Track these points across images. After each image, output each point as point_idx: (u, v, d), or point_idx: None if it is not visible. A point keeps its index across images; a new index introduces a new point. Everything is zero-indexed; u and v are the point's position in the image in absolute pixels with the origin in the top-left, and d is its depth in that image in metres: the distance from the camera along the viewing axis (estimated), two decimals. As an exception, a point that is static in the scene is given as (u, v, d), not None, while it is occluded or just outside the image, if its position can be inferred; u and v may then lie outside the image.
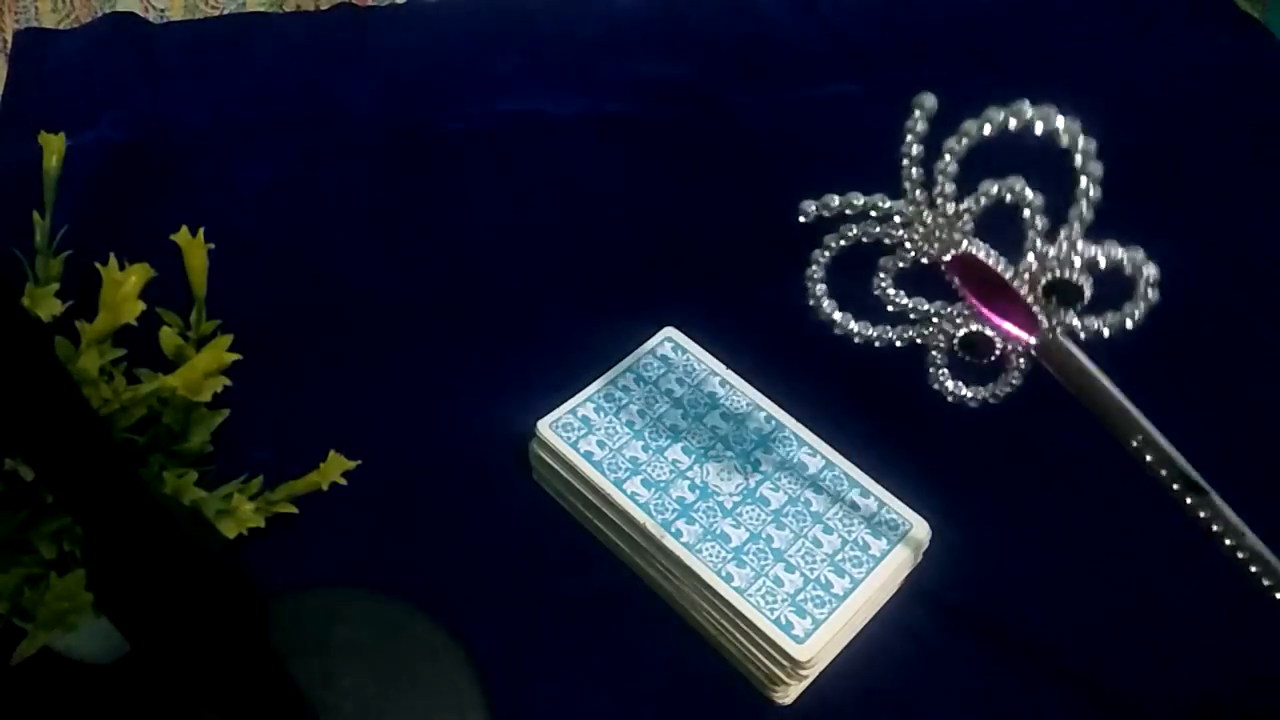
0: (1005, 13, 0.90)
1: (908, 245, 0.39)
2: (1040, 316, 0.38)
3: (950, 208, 0.37)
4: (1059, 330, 0.38)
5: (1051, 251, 0.37)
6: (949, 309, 0.40)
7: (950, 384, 0.41)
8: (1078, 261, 0.36)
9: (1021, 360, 0.39)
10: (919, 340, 0.40)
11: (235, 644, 0.32)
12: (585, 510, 0.55)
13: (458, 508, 0.57)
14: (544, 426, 0.54)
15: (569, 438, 0.54)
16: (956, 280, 0.39)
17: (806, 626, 0.48)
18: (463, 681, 0.49)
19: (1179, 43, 0.89)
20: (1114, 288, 0.39)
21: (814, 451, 0.54)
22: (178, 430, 0.49)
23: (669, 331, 0.59)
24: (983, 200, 0.37)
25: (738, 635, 0.50)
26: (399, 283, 0.68)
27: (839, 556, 0.50)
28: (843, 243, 0.40)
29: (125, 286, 0.45)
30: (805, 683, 0.50)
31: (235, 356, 0.47)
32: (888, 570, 0.50)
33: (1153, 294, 0.37)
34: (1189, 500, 0.40)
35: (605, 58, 0.84)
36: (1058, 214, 0.37)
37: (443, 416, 0.61)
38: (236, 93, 0.78)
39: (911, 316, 0.40)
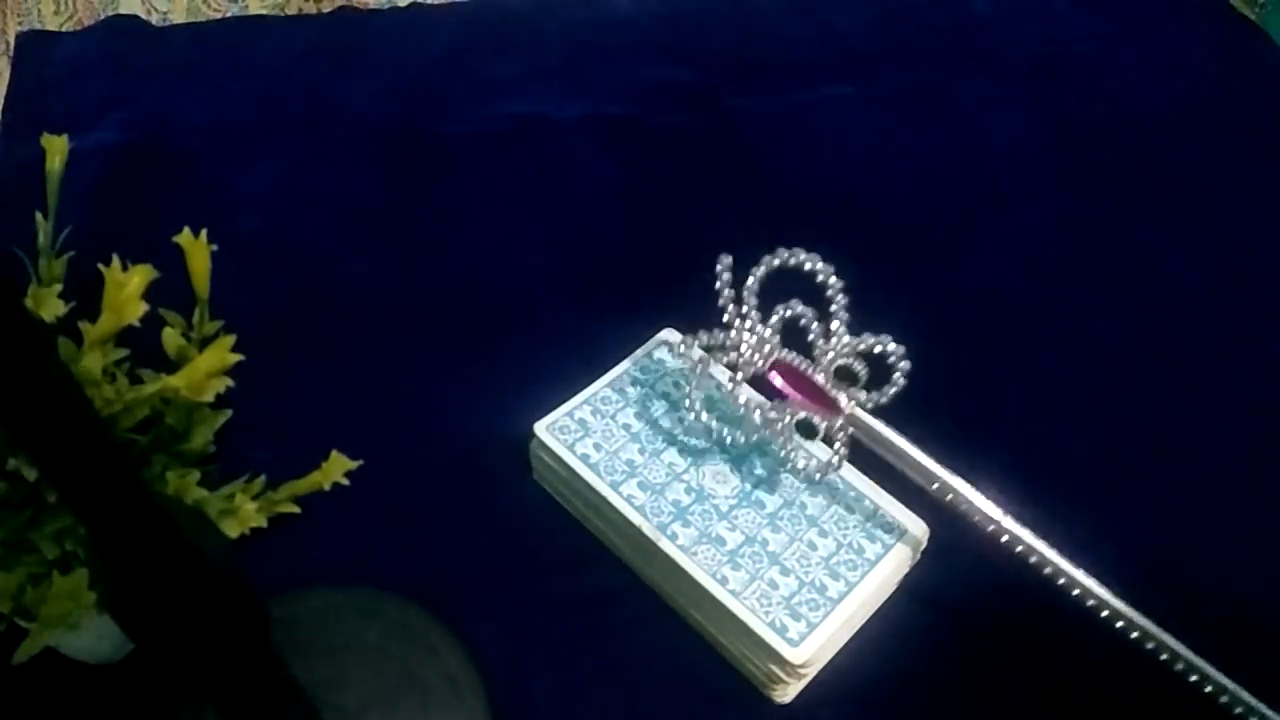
0: (1001, 15, 0.90)
1: (742, 362, 0.52)
2: (836, 396, 0.50)
3: (760, 330, 0.51)
4: (854, 405, 0.50)
5: (830, 349, 0.50)
6: (782, 406, 0.51)
7: (801, 461, 0.52)
8: (847, 352, 0.49)
9: (839, 433, 0.51)
10: (769, 433, 0.52)
11: (236, 643, 0.33)
12: (585, 510, 0.56)
13: (459, 507, 0.57)
14: (541, 429, 0.55)
15: (566, 440, 0.54)
16: (780, 380, 0.52)
17: (801, 630, 0.48)
18: (463, 680, 0.50)
19: (1175, 45, 0.89)
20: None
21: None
22: (180, 430, 0.50)
23: (667, 334, 0.60)
24: (777, 320, 0.51)
25: (734, 637, 0.50)
26: (401, 284, 0.68)
27: (834, 560, 0.51)
28: (700, 376, 0.53)
29: (128, 287, 0.45)
30: (804, 681, 0.50)
31: (238, 357, 0.48)
32: (882, 573, 0.51)
33: (902, 375, 0.49)
34: (989, 528, 0.49)
35: (605, 61, 0.84)
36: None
37: (444, 416, 0.61)
38: (238, 95, 0.79)
39: (756, 415, 0.52)
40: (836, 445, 0.51)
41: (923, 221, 0.74)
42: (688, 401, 0.53)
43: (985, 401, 0.64)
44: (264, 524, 0.49)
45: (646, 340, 0.60)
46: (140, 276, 0.45)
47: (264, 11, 1.26)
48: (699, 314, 0.54)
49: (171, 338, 0.50)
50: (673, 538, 0.51)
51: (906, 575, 0.54)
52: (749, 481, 0.54)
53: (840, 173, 0.77)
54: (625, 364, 0.58)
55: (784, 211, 0.74)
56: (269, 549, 0.51)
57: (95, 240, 0.52)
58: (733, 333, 0.52)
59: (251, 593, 0.32)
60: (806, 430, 0.52)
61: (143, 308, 0.45)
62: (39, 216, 0.51)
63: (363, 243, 0.70)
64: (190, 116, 0.77)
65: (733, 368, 0.53)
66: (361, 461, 0.51)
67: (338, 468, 0.50)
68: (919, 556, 0.53)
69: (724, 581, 0.49)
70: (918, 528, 0.52)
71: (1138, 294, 0.70)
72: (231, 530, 0.48)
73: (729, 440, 0.53)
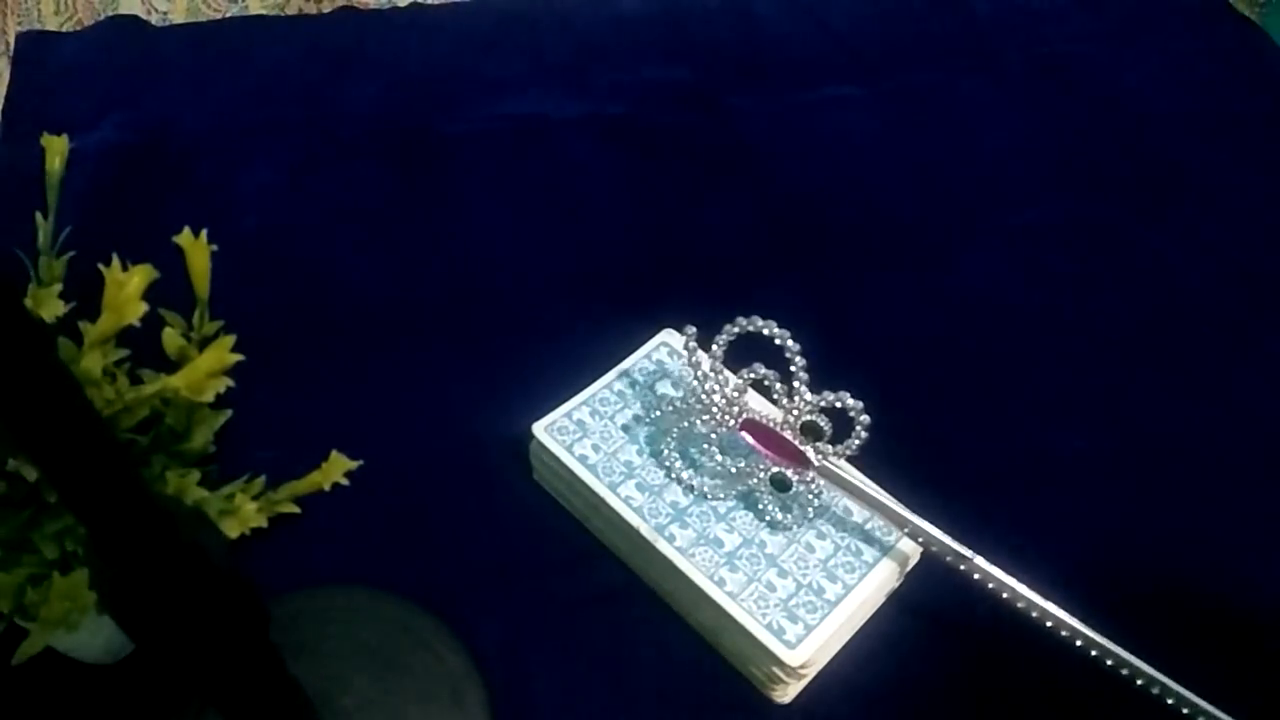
0: (1002, 15, 0.90)
1: (714, 422, 0.53)
2: (805, 450, 0.51)
3: (727, 391, 0.53)
4: (823, 458, 0.51)
5: (793, 407, 0.51)
6: (756, 461, 0.53)
7: (779, 515, 0.52)
8: (809, 410, 0.51)
9: (812, 485, 0.52)
10: (745, 487, 0.53)
11: (237, 644, 0.33)
12: (584, 511, 0.56)
13: (458, 507, 0.57)
14: (539, 429, 0.55)
15: (564, 441, 0.54)
16: (751, 438, 0.53)
17: (798, 632, 0.48)
18: (463, 680, 0.50)
19: (1175, 44, 0.89)
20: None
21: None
22: (180, 431, 0.50)
23: (666, 335, 0.60)
24: (744, 382, 0.52)
25: (732, 638, 0.50)
26: (400, 284, 0.68)
27: (831, 562, 0.51)
28: (676, 431, 0.54)
29: (128, 288, 0.45)
30: (804, 682, 0.50)
31: (238, 357, 0.48)
32: (880, 576, 0.51)
33: (863, 429, 0.50)
34: (961, 566, 0.49)
35: (605, 60, 0.84)
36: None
37: (443, 416, 0.61)
38: (238, 95, 0.79)
39: (733, 471, 0.53)
40: (810, 497, 0.52)
41: (923, 221, 0.74)
42: (666, 460, 0.54)
43: (985, 401, 0.64)
44: (264, 524, 0.49)
45: (646, 340, 0.60)
46: (140, 276, 0.45)
47: (264, 11, 1.26)
48: (698, 314, 0.54)
49: (171, 338, 0.50)
50: (670, 539, 0.51)
51: (905, 576, 0.54)
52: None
53: (840, 173, 0.77)
54: (624, 365, 0.58)
55: (784, 211, 0.74)
56: (269, 549, 0.51)
57: (95, 240, 0.52)
58: (704, 395, 0.53)
59: (252, 592, 0.32)
60: (780, 485, 0.52)
61: (143, 308, 0.45)
62: (39, 216, 0.51)
63: (363, 243, 0.70)
64: (190, 116, 0.77)
65: (708, 426, 0.54)
66: (361, 461, 0.51)
67: (338, 468, 0.50)
68: (918, 558, 0.53)
69: (721, 583, 0.49)
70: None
71: (1138, 294, 0.70)
72: (231, 530, 0.48)
73: (709, 497, 0.53)
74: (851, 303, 0.69)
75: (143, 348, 0.49)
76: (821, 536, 0.52)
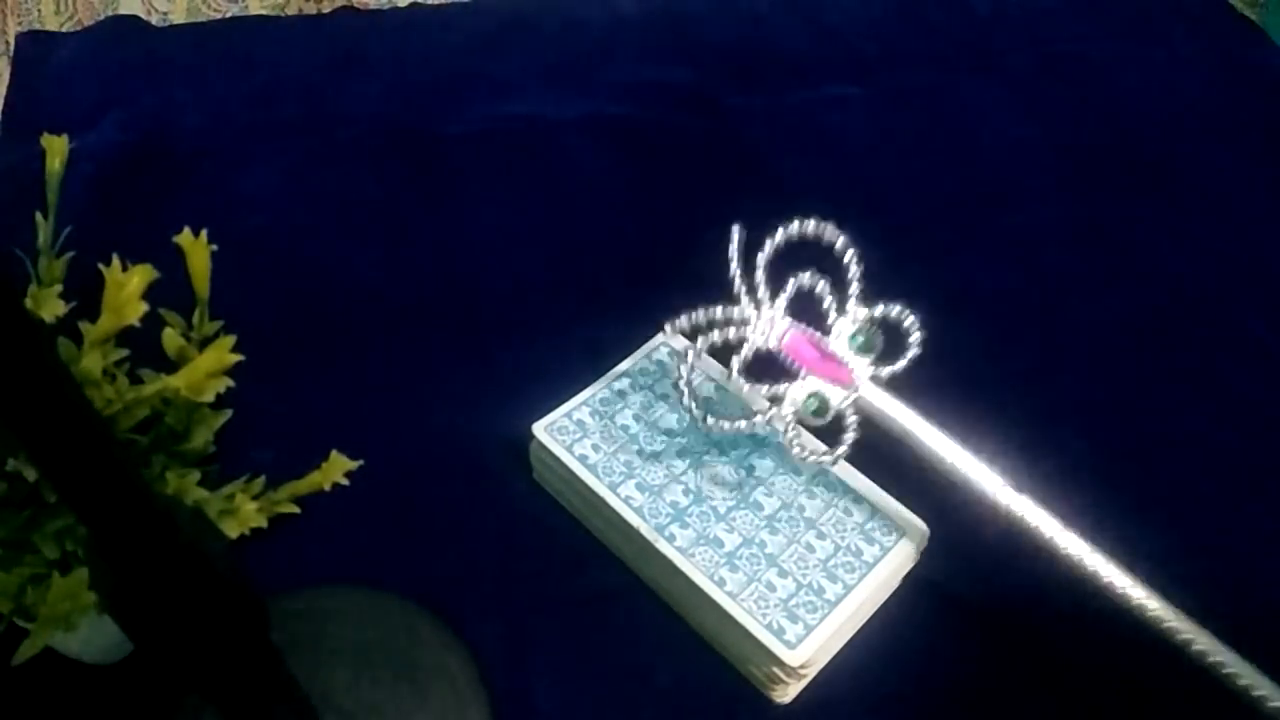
0: (1003, 15, 0.90)
1: (750, 339, 0.50)
2: (852, 366, 0.50)
3: (771, 304, 0.50)
4: (869, 376, 0.50)
5: (846, 318, 0.50)
6: (789, 385, 0.50)
7: (809, 448, 0.50)
8: (863, 320, 0.49)
9: (851, 415, 0.50)
10: (770, 422, 0.50)
11: (236, 643, 0.33)
12: (584, 511, 0.56)
13: (459, 507, 0.57)
14: (540, 429, 0.55)
15: (564, 441, 0.54)
16: (790, 358, 0.50)
17: (798, 632, 0.48)
18: (463, 680, 0.50)
19: (1175, 45, 0.89)
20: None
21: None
22: (180, 431, 0.50)
23: (667, 335, 0.60)
24: (789, 293, 0.50)
25: (732, 638, 0.50)
26: (400, 284, 0.68)
27: (831, 562, 0.51)
28: (701, 346, 0.51)
29: (128, 288, 0.45)
30: (804, 682, 0.50)
31: (238, 357, 0.48)
32: (880, 576, 0.51)
33: (916, 343, 0.49)
34: (1001, 499, 0.48)
35: (605, 61, 0.84)
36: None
37: (444, 416, 0.61)
38: (239, 95, 0.79)
39: (764, 396, 0.50)
40: (848, 424, 0.50)
41: (923, 222, 0.74)
42: (682, 385, 0.51)
43: (986, 401, 0.64)
44: (264, 524, 0.49)
45: (646, 340, 0.60)
46: (140, 276, 0.45)
47: (264, 11, 1.26)
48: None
49: (171, 338, 0.50)
50: (670, 539, 0.51)
51: (906, 575, 0.54)
52: (747, 483, 0.54)
53: (840, 173, 0.77)
54: (624, 365, 0.58)
55: (784, 212, 0.74)
56: (269, 549, 0.51)
57: (95, 240, 0.52)
58: (737, 310, 0.50)
59: (252, 592, 0.32)
60: (818, 409, 0.50)
61: (142, 308, 0.45)
62: (39, 216, 0.51)
63: (363, 243, 0.70)
64: (190, 116, 0.77)
65: (733, 346, 0.51)
66: (361, 461, 0.51)
67: (338, 468, 0.50)
68: (918, 557, 0.53)
69: (722, 583, 0.49)
70: (916, 529, 0.52)
71: (1138, 294, 0.70)
72: (231, 530, 0.48)
73: (726, 427, 0.51)
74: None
75: (143, 348, 0.49)
76: (821, 536, 0.52)
